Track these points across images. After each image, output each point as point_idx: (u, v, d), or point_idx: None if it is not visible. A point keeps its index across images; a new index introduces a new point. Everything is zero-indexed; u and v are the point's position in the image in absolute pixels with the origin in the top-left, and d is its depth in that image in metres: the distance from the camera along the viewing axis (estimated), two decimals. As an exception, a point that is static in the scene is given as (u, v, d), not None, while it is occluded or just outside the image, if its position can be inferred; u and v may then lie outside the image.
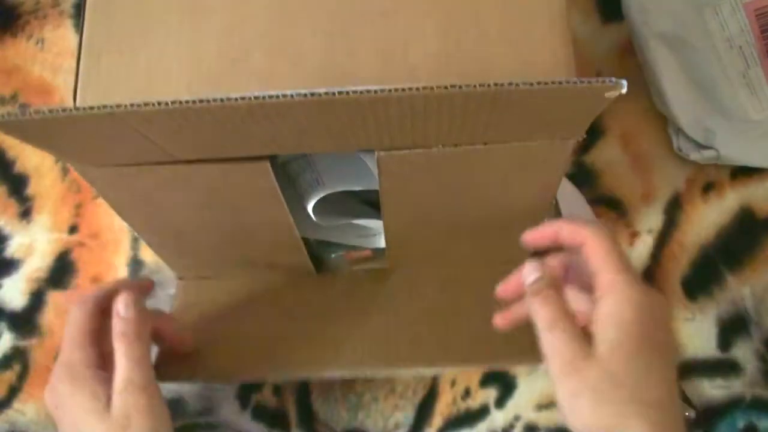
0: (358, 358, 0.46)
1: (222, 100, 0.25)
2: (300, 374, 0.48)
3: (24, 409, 0.50)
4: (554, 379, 0.33)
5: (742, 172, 0.53)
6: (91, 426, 0.36)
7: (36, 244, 0.54)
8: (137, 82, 0.30)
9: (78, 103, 0.30)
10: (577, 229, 0.35)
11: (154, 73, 0.31)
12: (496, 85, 0.25)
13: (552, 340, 0.33)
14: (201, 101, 0.25)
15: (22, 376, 0.51)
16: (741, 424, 0.48)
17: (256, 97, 0.25)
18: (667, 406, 0.31)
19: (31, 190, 0.55)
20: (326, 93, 0.25)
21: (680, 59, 0.51)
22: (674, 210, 0.53)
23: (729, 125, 0.50)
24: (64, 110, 0.25)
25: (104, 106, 0.25)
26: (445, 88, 0.25)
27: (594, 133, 0.54)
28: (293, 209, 0.39)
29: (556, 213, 0.53)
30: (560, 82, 0.25)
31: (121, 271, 0.53)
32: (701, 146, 0.51)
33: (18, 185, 0.55)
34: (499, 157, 0.34)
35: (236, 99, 0.25)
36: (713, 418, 0.48)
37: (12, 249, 0.54)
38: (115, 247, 0.53)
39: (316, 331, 0.46)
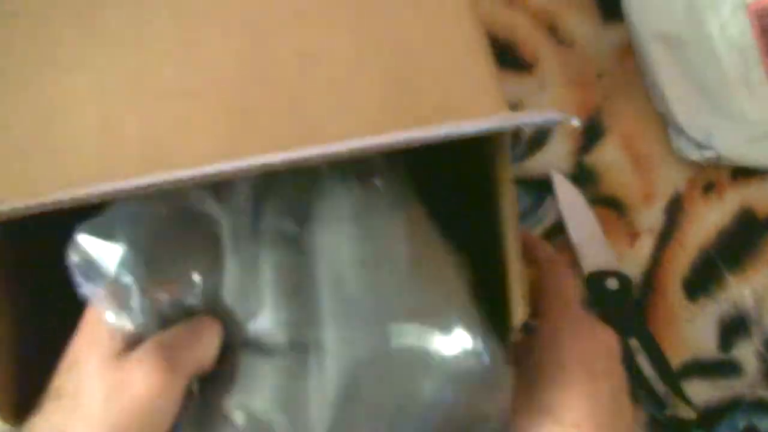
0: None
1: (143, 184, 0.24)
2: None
3: (24, 409, 0.50)
4: None
5: (743, 173, 0.53)
6: None
7: (36, 245, 0.54)
8: (42, 113, 0.28)
9: None
10: None
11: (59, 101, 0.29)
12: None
13: None
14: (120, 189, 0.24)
15: (22, 377, 0.51)
16: (741, 425, 0.47)
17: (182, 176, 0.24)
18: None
19: (31, 190, 0.55)
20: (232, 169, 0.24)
21: (680, 59, 0.51)
22: (675, 210, 0.53)
23: (729, 126, 0.50)
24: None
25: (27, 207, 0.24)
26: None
27: (594, 134, 0.54)
28: None
29: (557, 213, 0.53)
30: (499, 130, 0.26)
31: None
32: (701, 146, 0.51)
33: (18, 186, 0.55)
34: None
35: (147, 185, 0.24)
36: (713, 418, 0.48)
37: (12, 250, 0.54)
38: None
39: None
